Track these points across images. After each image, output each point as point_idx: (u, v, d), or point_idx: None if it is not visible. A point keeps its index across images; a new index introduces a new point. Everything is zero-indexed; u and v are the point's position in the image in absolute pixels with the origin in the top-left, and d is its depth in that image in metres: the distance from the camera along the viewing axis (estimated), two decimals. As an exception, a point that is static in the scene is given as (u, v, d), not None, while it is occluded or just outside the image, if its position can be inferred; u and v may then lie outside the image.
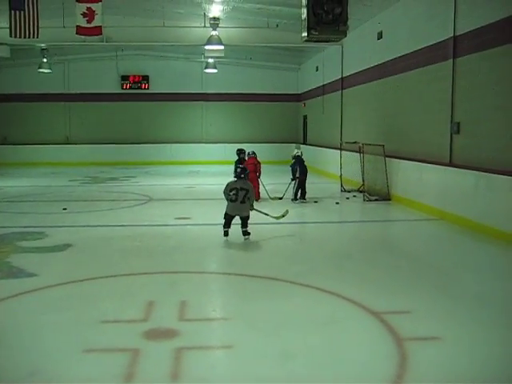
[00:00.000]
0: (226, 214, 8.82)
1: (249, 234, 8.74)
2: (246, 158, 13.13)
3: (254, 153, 13.30)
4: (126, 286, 6.29)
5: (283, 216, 9.79)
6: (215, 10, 16.41)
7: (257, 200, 11.92)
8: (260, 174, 12.89)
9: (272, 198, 12.80)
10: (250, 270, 6.99)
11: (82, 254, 7.94)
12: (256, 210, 9.19)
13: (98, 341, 4.66)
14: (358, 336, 4.80)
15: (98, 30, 14.40)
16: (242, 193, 8.64)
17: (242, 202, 8.66)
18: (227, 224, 8.78)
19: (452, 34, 10.77)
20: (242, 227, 8.73)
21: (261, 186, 12.95)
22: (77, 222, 10.40)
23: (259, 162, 13.00)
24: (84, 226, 9.99)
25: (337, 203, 12.81)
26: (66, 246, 8.22)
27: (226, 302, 5.97)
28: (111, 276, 6.63)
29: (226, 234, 8.78)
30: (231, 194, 8.70)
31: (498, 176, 8.82)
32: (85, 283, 6.36)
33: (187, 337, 4.70)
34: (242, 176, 8.87)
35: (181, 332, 4.77)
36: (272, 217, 9.65)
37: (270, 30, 17.61)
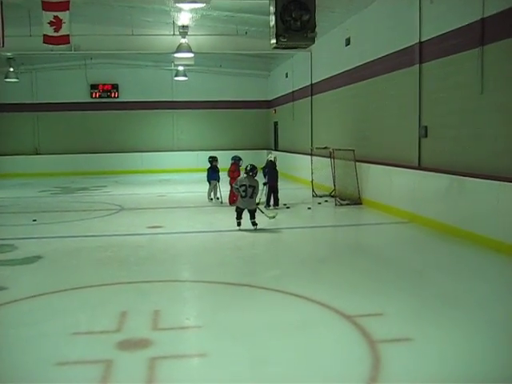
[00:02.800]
0: (237, 208, 10.17)
1: (256, 224, 10.01)
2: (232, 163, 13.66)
3: (233, 158, 13.58)
4: (98, 297, 6.22)
5: (274, 217, 10.74)
6: (184, 18, 16.39)
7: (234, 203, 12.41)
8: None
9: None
10: (223, 277, 6.98)
11: (53, 265, 7.83)
12: (258, 208, 10.41)
13: (71, 353, 4.60)
14: (331, 339, 4.83)
15: (65, 39, 14.23)
16: (250, 189, 9.98)
17: (251, 197, 10.01)
18: (239, 216, 10.10)
19: (418, 40, 10.96)
20: (250, 219, 10.03)
21: None
22: (47, 234, 10.23)
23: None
24: (54, 237, 9.83)
25: (309, 208, 12.89)
26: (36, 258, 8.09)
27: (200, 310, 5.94)
28: (83, 287, 6.55)
29: (238, 224, 10.09)
30: (241, 189, 10.02)
31: (466, 178, 9.00)
32: (56, 295, 6.27)
33: (161, 346, 4.67)
34: (251, 174, 10.18)
35: (154, 341, 4.73)
36: (268, 216, 10.61)
37: (240, 38, 17.71)
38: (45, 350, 4.67)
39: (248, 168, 10.31)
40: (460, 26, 9.51)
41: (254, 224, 10.05)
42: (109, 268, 7.57)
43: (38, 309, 5.85)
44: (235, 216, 10.14)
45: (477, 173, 8.85)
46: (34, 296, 6.21)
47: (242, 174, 10.50)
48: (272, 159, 13.44)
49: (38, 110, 25.68)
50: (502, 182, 8.00)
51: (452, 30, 9.77)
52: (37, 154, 25.78)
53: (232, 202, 13.28)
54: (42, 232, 10.43)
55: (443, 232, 9.37)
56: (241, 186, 10.03)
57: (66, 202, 15.18)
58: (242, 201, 10.09)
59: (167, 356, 4.49)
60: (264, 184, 13.03)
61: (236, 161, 13.72)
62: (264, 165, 13.42)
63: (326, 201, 13.87)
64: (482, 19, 8.84)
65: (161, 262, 7.88)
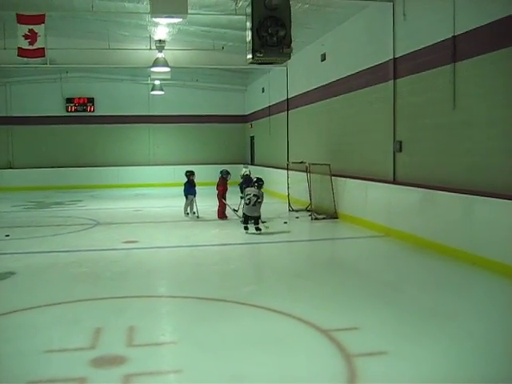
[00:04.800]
0: (244, 214, 11.45)
1: (260, 229, 11.18)
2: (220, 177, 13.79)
3: (221, 172, 13.68)
4: (72, 314, 6.12)
5: (267, 227, 11.49)
6: (161, 33, 16.45)
7: (221, 218, 13.20)
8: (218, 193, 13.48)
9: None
10: (198, 292, 6.94)
11: (26, 281, 7.70)
12: (260, 219, 11.44)
13: (43, 371, 4.51)
14: (307, 354, 4.83)
15: (40, 52, 14.15)
16: (254, 198, 11.20)
17: (254, 205, 11.20)
18: (245, 222, 11.38)
19: (392, 56, 11.15)
20: (254, 224, 11.25)
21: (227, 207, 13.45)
22: (20, 249, 10.07)
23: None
24: (27, 253, 9.68)
25: (285, 223, 12.90)
26: (8, 274, 7.95)
27: (175, 326, 5.90)
28: (56, 303, 6.45)
29: (245, 228, 11.31)
30: (246, 198, 11.32)
31: (439, 192, 9.12)
32: (28, 312, 6.16)
33: (136, 363, 4.61)
34: (256, 185, 11.51)
35: (129, 358, 4.68)
36: (264, 226, 11.40)
37: (216, 52, 17.80)
38: (17, 368, 4.58)
39: (254, 180, 11.79)
40: (432, 43, 9.70)
41: (258, 229, 11.20)
42: (83, 284, 7.47)
43: (10, 326, 5.74)
44: (243, 221, 11.50)
45: (450, 187, 8.99)
46: (6, 313, 6.10)
47: (250, 187, 11.72)
48: (248, 173, 13.51)
49: (12, 123, 25.34)
50: (474, 196, 8.13)
51: (425, 47, 9.96)
52: (10, 167, 25.43)
53: (220, 216, 13.28)
54: (15, 247, 10.26)
55: (418, 245, 9.47)
56: (247, 195, 11.32)
57: (40, 217, 14.97)
58: (246, 207, 11.32)
59: (142, 373, 4.44)
60: (241, 197, 13.08)
61: (224, 175, 13.73)
62: (241, 180, 13.45)
63: (298, 216, 13.90)
64: (454, 37, 9.04)
65: (136, 278, 7.81)
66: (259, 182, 11.63)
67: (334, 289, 7.11)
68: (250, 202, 11.21)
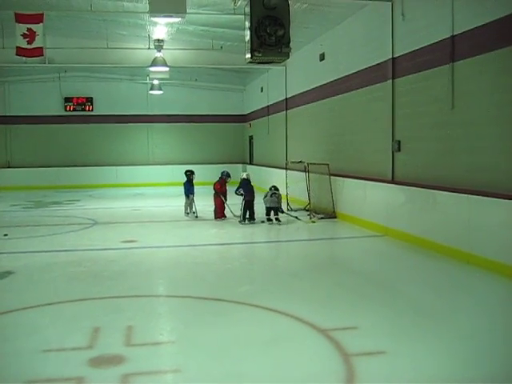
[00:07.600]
0: (267, 208, 12.87)
1: (280, 220, 12.68)
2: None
3: (222, 173, 13.63)
4: (70, 313, 6.12)
5: (313, 222, 12.82)
6: (159, 32, 16.44)
7: (220, 218, 13.27)
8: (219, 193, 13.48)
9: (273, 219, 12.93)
10: (196, 291, 6.94)
11: (24, 281, 7.69)
12: (287, 214, 13.35)
13: (41, 371, 4.51)
14: (305, 354, 4.83)
15: (39, 51, 14.14)
16: (276, 193, 12.86)
17: (277, 198, 12.80)
18: (268, 213, 12.88)
19: (391, 56, 11.15)
20: (274, 215, 12.76)
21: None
22: (18, 248, 10.06)
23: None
24: (26, 252, 9.67)
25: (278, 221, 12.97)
26: (6, 274, 7.94)
27: (173, 325, 5.89)
28: (54, 303, 6.44)
29: (268, 219, 12.80)
30: (272, 197, 12.78)
31: (437, 192, 9.12)
32: (26, 311, 6.15)
33: (134, 362, 4.61)
34: (273, 189, 12.98)
35: (127, 358, 4.67)
36: (304, 221, 12.77)
37: (215, 52, 17.81)
38: (15, 367, 4.58)
39: (272, 186, 13.19)
40: (431, 42, 9.70)
41: (278, 220, 12.68)
42: (82, 283, 7.46)
43: (8, 325, 5.73)
44: (265, 213, 12.90)
45: (448, 186, 8.99)
46: (5, 312, 6.09)
47: (268, 190, 13.06)
48: (245, 177, 13.47)
49: (11, 122, 25.30)
50: (473, 196, 8.13)
51: (424, 47, 9.96)
52: (9, 167, 25.40)
53: (220, 216, 13.25)
54: (13, 247, 10.25)
55: (416, 245, 9.47)
56: (271, 195, 12.84)
57: (38, 217, 14.96)
58: (270, 200, 12.79)
59: (141, 372, 4.43)
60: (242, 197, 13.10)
61: (224, 176, 13.65)
62: (238, 184, 13.34)
63: (296, 216, 13.91)
64: (452, 36, 9.04)
65: (134, 277, 7.80)
66: (275, 187, 13.12)
67: (331, 288, 7.11)
68: (273, 198, 12.77)
